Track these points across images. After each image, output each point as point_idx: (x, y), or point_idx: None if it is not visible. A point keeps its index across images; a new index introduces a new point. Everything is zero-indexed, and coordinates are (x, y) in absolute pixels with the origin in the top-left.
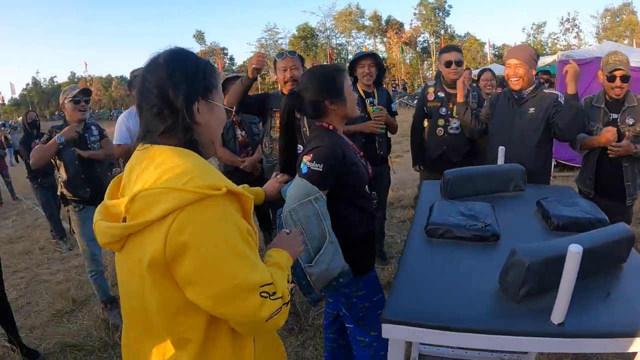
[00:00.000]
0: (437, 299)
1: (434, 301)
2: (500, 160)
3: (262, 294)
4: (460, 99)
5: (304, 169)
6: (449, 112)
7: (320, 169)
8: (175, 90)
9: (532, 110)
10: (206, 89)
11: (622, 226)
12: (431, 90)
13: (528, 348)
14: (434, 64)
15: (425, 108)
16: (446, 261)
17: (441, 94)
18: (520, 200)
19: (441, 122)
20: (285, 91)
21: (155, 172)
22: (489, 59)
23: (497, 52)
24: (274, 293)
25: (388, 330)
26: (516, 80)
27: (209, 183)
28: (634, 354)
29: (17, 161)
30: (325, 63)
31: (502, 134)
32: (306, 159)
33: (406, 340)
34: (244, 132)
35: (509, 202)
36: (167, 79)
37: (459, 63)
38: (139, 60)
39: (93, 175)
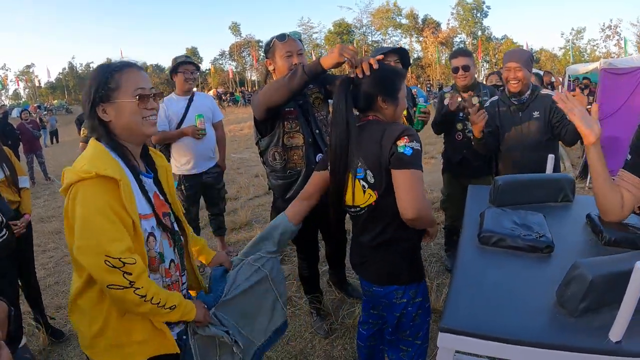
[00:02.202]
0: (493, 310)
1: (490, 312)
2: (550, 169)
3: (107, 263)
4: (477, 134)
5: (408, 151)
6: (464, 116)
7: (420, 149)
8: (85, 100)
9: (536, 114)
10: (104, 96)
11: None
12: (447, 96)
13: None
14: None
15: (445, 112)
16: (500, 271)
17: (459, 99)
18: (569, 212)
19: (460, 126)
20: None
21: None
22: None
23: (534, 56)
24: (130, 273)
25: (444, 340)
26: (516, 83)
27: (86, 168)
28: None
29: (52, 142)
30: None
31: (514, 141)
32: (404, 142)
33: (458, 350)
34: None
35: (558, 212)
36: (84, 91)
37: (465, 68)
38: (175, 49)
39: None
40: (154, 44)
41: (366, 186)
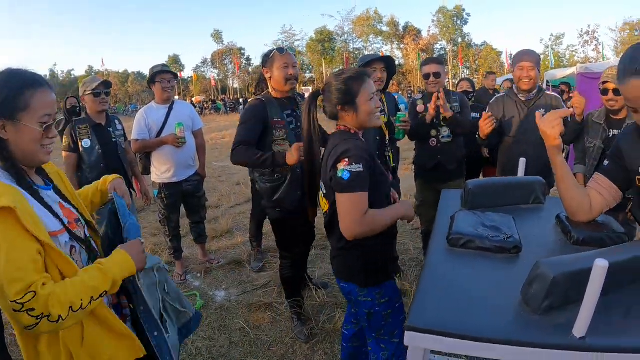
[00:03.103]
0: (459, 309)
1: (457, 310)
2: (521, 172)
3: (13, 308)
4: (483, 137)
5: (346, 175)
6: (438, 122)
7: (362, 169)
8: None
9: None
10: (11, 112)
11: None
12: (420, 102)
13: None
14: (450, 72)
15: (420, 117)
16: (468, 271)
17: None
18: (540, 213)
19: (434, 132)
20: (284, 88)
21: None
22: (506, 67)
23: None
24: (32, 309)
25: (411, 338)
26: (528, 81)
27: None
28: None
29: None
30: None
31: (520, 136)
32: (343, 165)
33: (427, 349)
34: None
35: (529, 214)
36: None
37: (436, 75)
38: (157, 56)
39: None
40: (136, 51)
41: (322, 194)
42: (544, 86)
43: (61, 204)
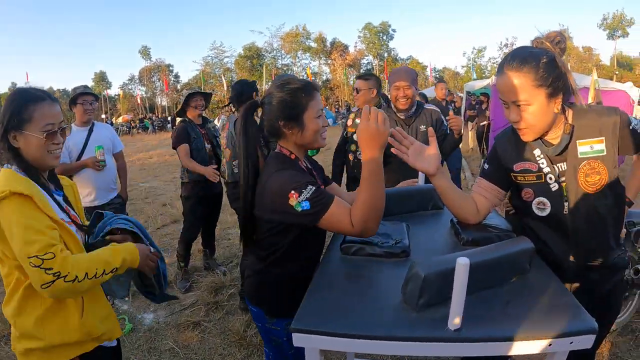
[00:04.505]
0: (345, 310)
1: (341, 312)
2: (421, 180)
3: (31, 264)
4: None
5: (306, 205)
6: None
7: (314, 188)
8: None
9: (422, 128)
10: (16, 125)
11: (522, 239)
12: (352, 116)
13: (426, 353)
14: None
15: (345, 133)
16: (357, 276)
17: (358, 120)
18: (438, 218)
19: (353, 147)
20: None
21: None
22: (430, 81)
23: (437, 75)
24: (50, 269)
25: (298, 339)
26: (405, 101)
27: (1, 189)
28: (528, 355)
29: None
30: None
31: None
32: (295, 200)
33: (320, 348)
34: (209, 145)
35: (426, 220)
36: None
37: (357, 91)
38: (83, 72)
39: None
40: (61, 68)
41: None
42: (464, 97)
43: (67, 209)
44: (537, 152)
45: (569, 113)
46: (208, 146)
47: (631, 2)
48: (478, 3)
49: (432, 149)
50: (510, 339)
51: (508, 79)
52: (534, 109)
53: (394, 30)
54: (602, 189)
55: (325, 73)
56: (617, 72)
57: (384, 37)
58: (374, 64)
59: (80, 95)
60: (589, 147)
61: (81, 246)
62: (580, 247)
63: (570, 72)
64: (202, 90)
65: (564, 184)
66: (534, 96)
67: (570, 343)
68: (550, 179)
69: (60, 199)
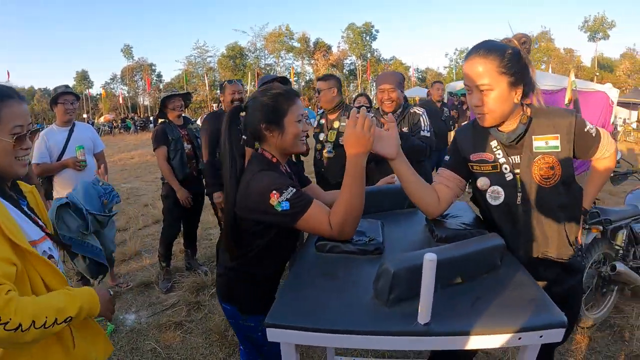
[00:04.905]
0: (318, 305)
1: (315, 307)
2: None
3: None
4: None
5: (286, 206)
6: (326, 138)
7: (294, 190)
8: None
9: (405, 129)
10: None
11: (493, 236)
12: (318, 118)
13: (396, 347)
14: (359, 86)
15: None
16: (331, 273)
17: (322, 121)
18: (413, 217)
19: (319, 146)
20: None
21: None
22: (412, 82)
23: (420, 76)
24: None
25: (272, 334)
26: (390, 103)
27: None
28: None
29: None
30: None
31: None
32: (276, 199)
33: (293, 343)
34: (190, 145)
35: (402, 218)
36: None
37: (318, 92)
38: (65, 71)
39: None
40: (43, 66)
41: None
42: (446, 97)
43: (36, 219)
44: (494, 143)
45: (527, 110)
46: (188, 146)
47: (612, 5)
48: (461, 4)
49: (392, 134)
50: (479, 332)
51: (474, 64)
52: (495, 95)
53: (377, 31)
54: (556, 184)
55: (309, 73)
56: (597, 74)
57: (367, 38)
58: (357, 64)
59: (61, 95)
60: (544, 142)
61: (62, 276)
62: (526, 236)
63: (533, 68)
64: (182, 91)
65: (519, 175)
66: (496, 82)
67: (540, 337)
68: (506, 169)
69: (25, 208)
